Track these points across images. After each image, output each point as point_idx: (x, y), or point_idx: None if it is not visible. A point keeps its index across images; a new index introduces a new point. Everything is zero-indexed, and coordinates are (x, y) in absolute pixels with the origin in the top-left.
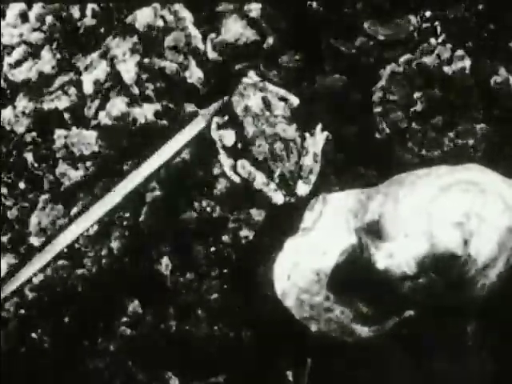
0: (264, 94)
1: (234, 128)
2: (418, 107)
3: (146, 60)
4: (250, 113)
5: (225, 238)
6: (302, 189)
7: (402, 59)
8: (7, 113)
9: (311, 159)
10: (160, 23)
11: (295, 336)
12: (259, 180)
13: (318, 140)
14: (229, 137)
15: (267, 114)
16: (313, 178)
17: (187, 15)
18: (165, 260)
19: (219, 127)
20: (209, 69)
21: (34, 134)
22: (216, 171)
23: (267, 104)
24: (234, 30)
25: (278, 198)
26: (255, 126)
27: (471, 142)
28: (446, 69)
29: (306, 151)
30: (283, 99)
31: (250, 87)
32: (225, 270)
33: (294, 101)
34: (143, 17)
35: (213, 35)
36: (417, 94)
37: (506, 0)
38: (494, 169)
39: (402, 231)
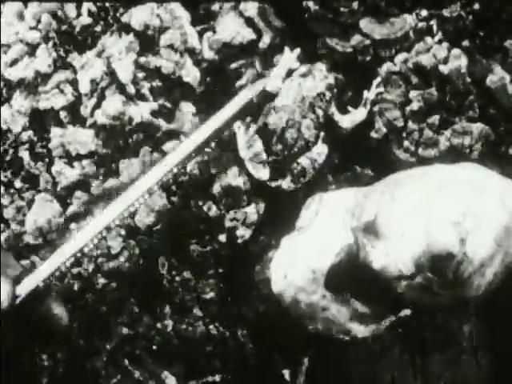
0: (328, 92)
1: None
2: (415, 106)
3: (142, 59)
4: (300, 88)
5: (221, 237)
6: (287, 185)
7: (398, 58)
8: (3, 111)
9: (309, 163)
10: (156, 22)
11: (292, 335)
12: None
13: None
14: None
15: (310, 104)
16: (302, 180)
17: (183, 14)
18: (161, 259)
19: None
20: (205, 67)
21: (30, 132)
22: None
23: (321, 99)
24: (230, 28)
25: (263, 173)
26: (293, 101)
27: (467, 140)
28: (442, 68)
29: (308, 152)
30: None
31: (325, 74)
32: (221, 269)
33: (345, 124)
34: (139, 15)
35: (209, 34)
36: (413, 93)
37: None
38: (491, 167)
39: (398, 230)
